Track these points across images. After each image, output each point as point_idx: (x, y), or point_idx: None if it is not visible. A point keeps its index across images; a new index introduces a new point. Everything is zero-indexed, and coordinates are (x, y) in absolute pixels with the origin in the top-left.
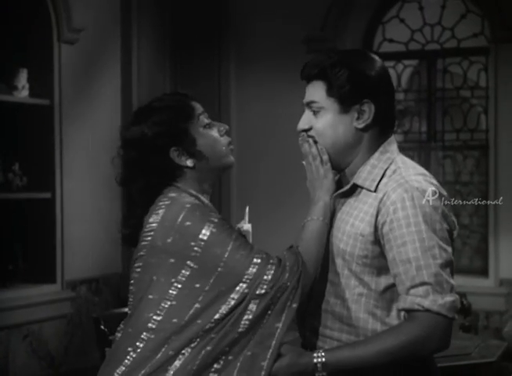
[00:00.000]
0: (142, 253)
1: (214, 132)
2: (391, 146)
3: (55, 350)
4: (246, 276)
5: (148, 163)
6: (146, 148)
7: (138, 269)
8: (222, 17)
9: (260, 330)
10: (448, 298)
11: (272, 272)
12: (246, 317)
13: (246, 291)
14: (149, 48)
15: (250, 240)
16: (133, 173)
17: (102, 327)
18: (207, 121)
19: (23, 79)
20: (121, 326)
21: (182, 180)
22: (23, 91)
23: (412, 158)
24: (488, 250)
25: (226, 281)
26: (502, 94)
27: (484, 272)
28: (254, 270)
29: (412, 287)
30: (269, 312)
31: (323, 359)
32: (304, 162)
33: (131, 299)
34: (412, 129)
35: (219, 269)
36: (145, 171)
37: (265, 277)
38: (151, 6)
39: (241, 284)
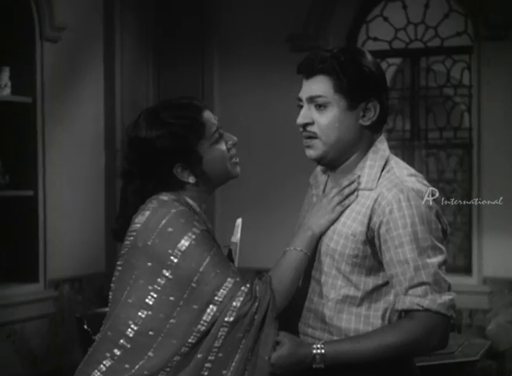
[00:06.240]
0: (123, 252)
1: (222, 146)
2: (382, 144)
3: (38, 349)
4: (216, 298)
5: (150, 170)
6: (152, 157)
7: (120, 268)
8: (206, 14)
9: (234, 366)
10: (447, 297)
11: (242, 299)
12: (216, 344)
13: (217, 314)
14: (132, 45)
15: (237, 253)
16: (133, 173)
17: (85, 326)
18: (217, 135)
19: (5, 77)
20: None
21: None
22: (5, 89)
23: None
24: (471, 248)
25: (199, 299)
26: (486, 92)
27: (467, 270)
28: (225, 293)
29: (411, 287)
30: (241, 346)
31: (323, 351)
32: (327, 189)
33: (110, 296)
34: (395, 127)
35: (193, 284)
36: (144, 175)
37: (234, 303)
38: (134, 2)
39: (211, 306)
